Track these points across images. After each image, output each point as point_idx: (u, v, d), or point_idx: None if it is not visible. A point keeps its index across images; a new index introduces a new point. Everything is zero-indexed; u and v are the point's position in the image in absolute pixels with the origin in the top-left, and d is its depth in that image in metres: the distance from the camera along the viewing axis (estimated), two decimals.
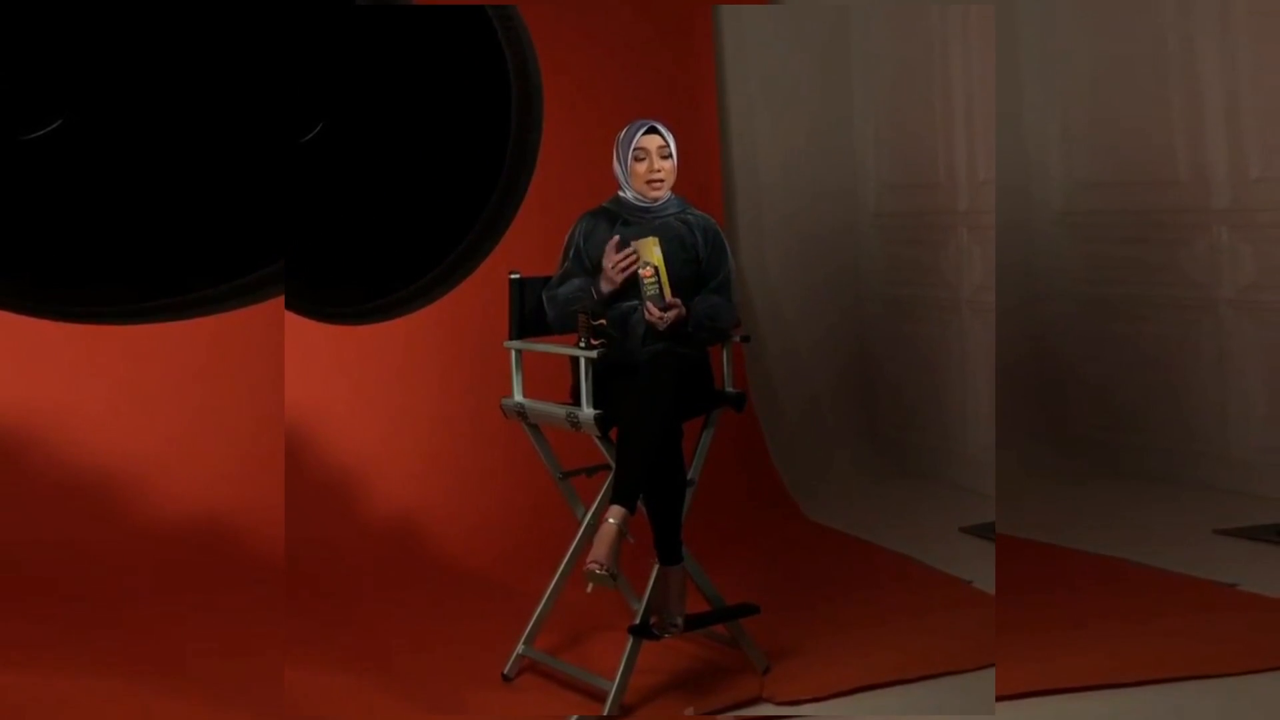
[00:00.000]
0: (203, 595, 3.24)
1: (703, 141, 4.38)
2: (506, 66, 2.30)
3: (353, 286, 2.50)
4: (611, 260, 2.67)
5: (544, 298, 2.78)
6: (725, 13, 4.54)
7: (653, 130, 2.73)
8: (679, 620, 2.58)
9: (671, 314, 2.63)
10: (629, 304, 2.71)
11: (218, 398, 3.70)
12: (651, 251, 2.63)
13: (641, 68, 4.30)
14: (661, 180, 2.73)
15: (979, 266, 4.39)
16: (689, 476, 2.65)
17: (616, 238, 2.71)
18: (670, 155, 2.74)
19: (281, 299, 2.19)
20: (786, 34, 4.68)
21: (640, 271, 2.63)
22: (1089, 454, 4.61)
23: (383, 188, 2.43)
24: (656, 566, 2.60)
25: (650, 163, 2.72)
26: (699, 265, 2.76)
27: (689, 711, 2.58)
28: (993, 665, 2.66)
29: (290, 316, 2.56)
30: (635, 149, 2.72)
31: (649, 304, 2.63)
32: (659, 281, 2.62)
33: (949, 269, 4.52)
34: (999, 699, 2.51)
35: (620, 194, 2.79)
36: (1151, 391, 4.47)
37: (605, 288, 2.70)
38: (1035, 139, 4.70)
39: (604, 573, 2.36)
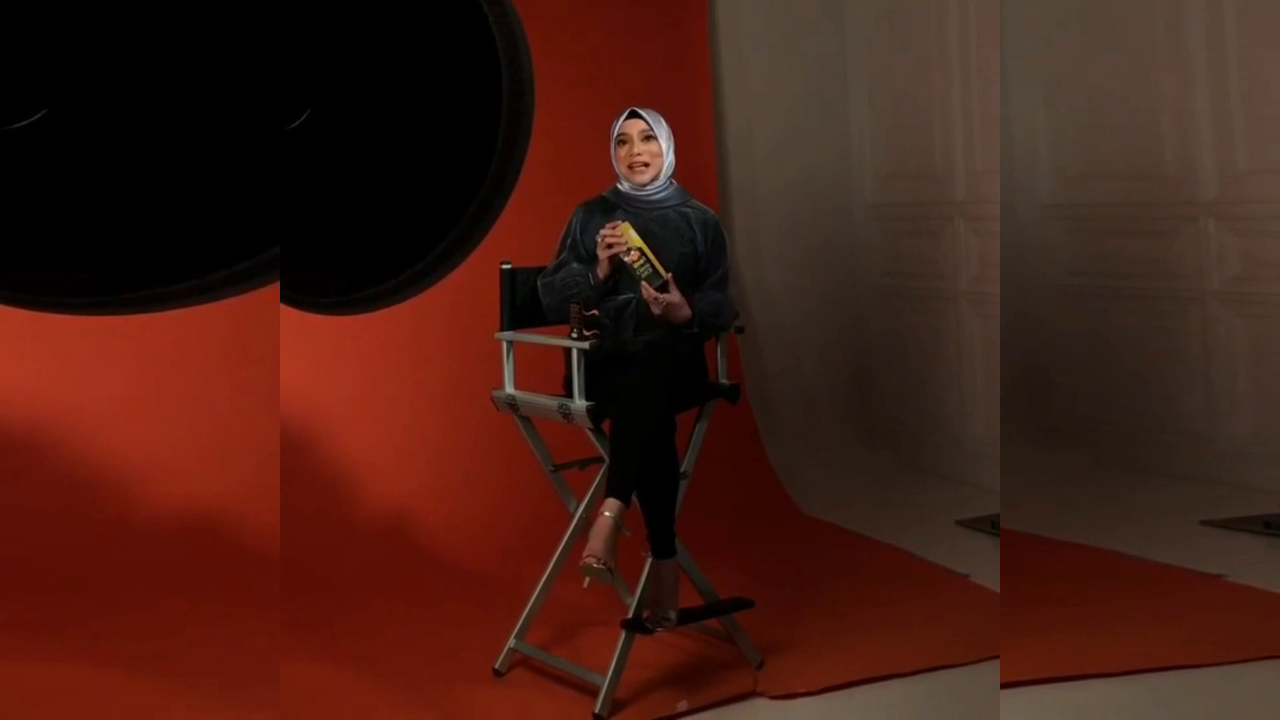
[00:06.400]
0: (198, 591, 3.21)
1: (698, 132, 4.36)
2: (496, 51, 2.26)
3: (339, 276, 2.46)
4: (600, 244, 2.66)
5: (539, 285, 2.76)
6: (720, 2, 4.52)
7: (634, 115, 2.72)
8: (672, 614, 2.57)
9: (670, 295, 2.60)
10: (624, 296, 2.68)
11: (212, 393, 3.66)
12: (630, 235, 2.62)
13: (634, 56, 4.26)
14: (645, 164, 2.72)
15: (975, 258, 4.38)
16: (682, 469, 2.63)
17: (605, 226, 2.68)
18: (653, 137, 2.72)
19: (275, 292, 2.15)
20: (781, 22, 4.66)
21: (626, 259, 2.61)
22: (1075, 445, 4.61)
23: (370, 176, 2.40)
24: (649, 560, 2.58)
25: (631, 146, 2.72)
26: (696, 259, 2.75)
27: (681, 705, 2.56)
28: (989, 659, 2.66)
29: (283, 309, 2.52)
30: (618, 134, 2.73)
31: (645, 284, 2.61)
32: (649, 262, 2.61)
33: (945, 260, 4.51)
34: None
35: (618, 185, 2.78)
36: (1138, 383, 4.48)
37: (600, 272, 2.68)
38: (1022, 131, 4.69)
39: (600, 566, 2.33)
